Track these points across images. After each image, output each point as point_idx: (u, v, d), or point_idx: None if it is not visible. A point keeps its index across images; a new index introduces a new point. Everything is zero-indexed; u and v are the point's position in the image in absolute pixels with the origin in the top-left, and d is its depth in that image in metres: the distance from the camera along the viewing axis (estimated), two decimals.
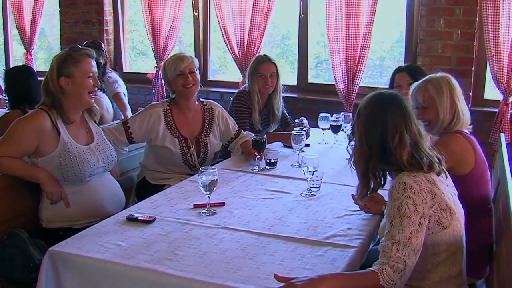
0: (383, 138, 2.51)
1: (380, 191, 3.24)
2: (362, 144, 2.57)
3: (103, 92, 5.63)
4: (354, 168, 2.67)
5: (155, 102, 4.38)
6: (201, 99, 4.33)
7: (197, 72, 4.17)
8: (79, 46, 3.57)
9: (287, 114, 5.16)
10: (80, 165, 3.43)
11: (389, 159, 2.53)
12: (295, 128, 4.41)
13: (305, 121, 4.74)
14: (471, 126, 3.43)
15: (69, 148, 3.42)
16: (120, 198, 3.74)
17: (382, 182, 2.63)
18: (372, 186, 2.63)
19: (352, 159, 2.66)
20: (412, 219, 2.37)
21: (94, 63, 3.52)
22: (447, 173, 2.65)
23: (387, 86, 6.08)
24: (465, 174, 3.23)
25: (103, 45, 6.30)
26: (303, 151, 4.02)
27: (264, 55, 4.95)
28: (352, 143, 2.70)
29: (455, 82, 3.33)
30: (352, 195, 3.22)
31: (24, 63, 7.40)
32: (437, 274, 2.54)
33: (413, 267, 2.37)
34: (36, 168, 3.42)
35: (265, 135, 3.97)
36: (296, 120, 4.64)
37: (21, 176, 3.42)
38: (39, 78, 6.95)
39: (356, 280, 2.34)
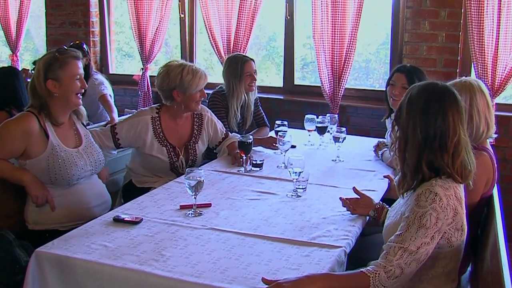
0: (442, 133, 2.43)
1: (373, 196, 3.28)
2: (416, 133, 2.46)
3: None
4: (399, 158, 2.57)
5: (144, 109, 4.34)
6: None
7: None
8: (65, 48, 3.56)
9: (262, 114, 5.26)
10: (68, 168, 3.43)
11: (439, 158, 2.45)
12: (276, 130, 4.45)
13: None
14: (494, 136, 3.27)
15: (58, 151, 3.42)
16: (106, 200, 3.74)
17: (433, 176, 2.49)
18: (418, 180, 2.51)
19: (397, 149, 2.56)
20: (428, 232, 2.36)
21: (80, 65, 3.52)
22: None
23: (373, 88, 6.17)
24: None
25: (85, 46, 6.29)
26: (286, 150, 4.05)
27: (239, 54, 5.09)
28: (396, 131, 2.58)
29: (480, 91, 3.15)
30: (340, 198, 3.24)
31: (10, 65, 7.37)
32: (428, 286, 2.55)
33: (410, 275, 2.36)
34: (22, 171, 3.42)
35: (251, 136, 3.99)
36: (278, 122, 4.66)
37: (6, 178, 3.41)
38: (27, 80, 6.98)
39: (345, 281, 2.34)
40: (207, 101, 5.03)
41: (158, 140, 4.09)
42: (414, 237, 2.35)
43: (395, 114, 2.60)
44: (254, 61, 5.02)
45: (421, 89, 2.53)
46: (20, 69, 6.64)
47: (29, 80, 5.31)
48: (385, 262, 2.33)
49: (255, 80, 4.97)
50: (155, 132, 4.09)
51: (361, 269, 2.33)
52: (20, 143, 3.37)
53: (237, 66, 4.92)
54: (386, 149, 4.22)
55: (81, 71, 3.51)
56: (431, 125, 2.44)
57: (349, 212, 3.16)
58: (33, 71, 5.27)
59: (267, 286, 2.25)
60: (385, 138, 4.54)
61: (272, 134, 4.85)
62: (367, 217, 3.17)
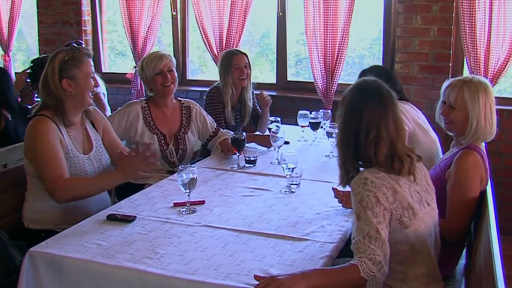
0: (358, 131, 2.48)
1: None
2: (342, 132, 2.55)
3: None
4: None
5: (133, 100, 4.40)
6: (178, 98, 4.34)
7: (175, 70, 4.21)
8: (78, 46, 3.51)
9: (259, 109, 5.21)
10: (79, 175, 3.38)
11: (361, 155, 2.51)
12: (269, 127, 4.45)
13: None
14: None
15: (71, 156, 3.37)
16: (106, 204, 3.68)
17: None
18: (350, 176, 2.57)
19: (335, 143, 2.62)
20: (375, 211, 2.37)
21: (92, 63, 3.49)
22: (416, 176, 2.57)
23: None
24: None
25: (83, 45, 6.30)
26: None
27: (234, 49, 5.06)
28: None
29: (491, 91, 3.16)
30: (333, 188, 3.25)
31: (2, 65, 7.35)
32: (401, 273, 2.55)
33: (388, 259, 2.37)
34: (108, 177, 3.38)
35: (244, 133, 4.00)
36: (271, 118, 4.66)
37: (96, 191, 3.36)
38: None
39: (337, 274, 2.35)
40: (204, 97, 5.04)
41: (149, 128, 4.15)
42: (368, 222, 2.36)
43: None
44: (247, 56, 4.99)
45: (351, 88, 2.62)
46: (15, 70, 6.64)
47: (29, 80, 5.31)
48: (362, 253, 2.33)
49: (245, 73, 4.91)
50: (146, 121, 4.15)
51: (349, 262, 2.36)
52: (59, 144, 3.31)
53: (226, 60, 4.93)
54: None
55: (93, 69, 3.50)
56: (350, 125, 2.51)
57: (341, 205, 3.19)
58: (29, 71, 5.26)
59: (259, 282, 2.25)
60: None
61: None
62: None
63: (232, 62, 4.88)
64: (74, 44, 3.52)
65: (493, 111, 3.13)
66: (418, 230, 2.51)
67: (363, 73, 4.40)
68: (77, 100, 3.42)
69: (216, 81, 5.07)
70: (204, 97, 5.06)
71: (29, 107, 5.15)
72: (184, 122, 4.31)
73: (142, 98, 4.32)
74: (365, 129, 2.47)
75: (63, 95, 3.37)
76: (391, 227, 2.44)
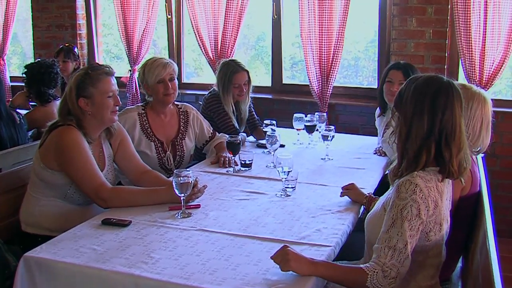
0: (448, 128, 2.44)
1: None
2: (421, 124, 2.45)
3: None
4: (397, 146, 2.54)
5: (129, 107, 4.36)
6: (175, 102, 4.32)
7: (176, 78, 4.17)
8: (98, 64, 3.46)
9: (255, 116, 5.17)
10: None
11: (443, 152, 2.46)
12: (265, 130, 4.44)
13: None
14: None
15: None
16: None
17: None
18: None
19: (397, 137, 2.53)
20: (412, 223, 2.36)
21: (114, 81, 3.42)
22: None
23: (361, 86, 6.18)
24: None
25: (76, 49, 6.30)
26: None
27: (234, 61, 4.90)
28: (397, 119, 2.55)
29: (489, 106, 3.09)
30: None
31: None
32: (405, 281, 2.53)
33: (405, 274, 2.38)
34: (157, 193, 3.29)
35: (240, 137, 3.99)
36: (266, 121, 4.65)
37: (141, 204, 3.24)
38: (12, 84, 6.96)
39: (344, 273, 2.39)
40: (201, 102, 5.01)
41: (146, 135, 4.11)
42: (400, 232, 2.36)
43: (394, 101, 2.58)
44: (248, 72, 4.85)
45: (428, 81, 2.51)
46: (10, 74, 6.62)
47: (32, 103, 5.31)
48: (380, 263, 2.34)
49: (244, 91, 4.81)
50: (143, 128, 4.12)
51: (361, 265, 2.36)
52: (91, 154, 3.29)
53: (226, 76, 4.81)
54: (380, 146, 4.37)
55: (115, 87, 3.40)
56: (438, 118, 2.44)
57: (337, 209, 3.20)
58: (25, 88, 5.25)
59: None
60: (377, 137, 4.58)
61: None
62: (359, 214, 3.19)
63: (232, 80, 4.78)
64: (97, 63, 3.45)
65: (483, 125, 3.06)
66: (437, 244, 2.53)
67: (398, 66, 4.46)
68: (97, 119, 3.36)
69: (211, 84, 5.03)
70: (201, 103, 4.99)
71: (23, 111, 5.14)
72: (181, 128, 4.29)
73: (139, 104, 4.26)
74: (455, 128, 2.45)
75: (81, 114, 3.32)
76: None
